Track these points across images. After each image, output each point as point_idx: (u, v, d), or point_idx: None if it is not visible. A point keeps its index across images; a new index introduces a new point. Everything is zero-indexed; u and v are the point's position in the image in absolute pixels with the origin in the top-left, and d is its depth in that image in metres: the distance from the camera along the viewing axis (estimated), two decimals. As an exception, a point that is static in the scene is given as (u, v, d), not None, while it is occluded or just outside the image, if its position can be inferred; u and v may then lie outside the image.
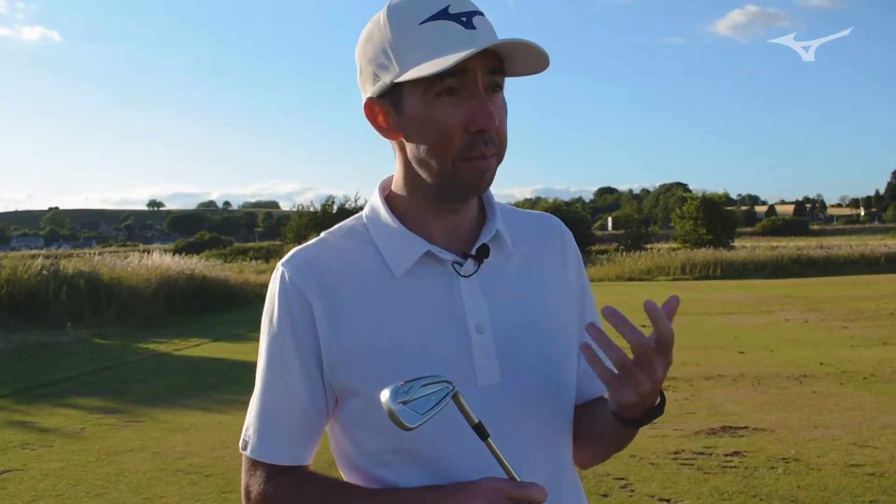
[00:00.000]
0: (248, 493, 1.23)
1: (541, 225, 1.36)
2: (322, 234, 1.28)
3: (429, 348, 1.18)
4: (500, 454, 1.10)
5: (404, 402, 1.02)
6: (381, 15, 1.16)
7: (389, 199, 1.26)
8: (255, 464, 1.23)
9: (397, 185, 1.25)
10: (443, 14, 1.12)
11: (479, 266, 1.23)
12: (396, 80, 1.14)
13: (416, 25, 1.12)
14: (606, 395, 1.31)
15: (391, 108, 1.17)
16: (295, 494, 1.19)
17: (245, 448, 1.24)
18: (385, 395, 1.02)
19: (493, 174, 1.18)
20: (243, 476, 1.25)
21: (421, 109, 1.14)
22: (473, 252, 1.22)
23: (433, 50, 1.11)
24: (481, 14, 1.15)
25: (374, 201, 1.27)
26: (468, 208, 1.25)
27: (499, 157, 1.18)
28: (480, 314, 1.21)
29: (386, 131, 1.21)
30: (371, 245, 1.24)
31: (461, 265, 1.22)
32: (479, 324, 1.20)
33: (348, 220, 1.30)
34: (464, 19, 1.12)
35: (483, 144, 1.14)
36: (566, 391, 1.29)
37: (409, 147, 1.18)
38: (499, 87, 1.16)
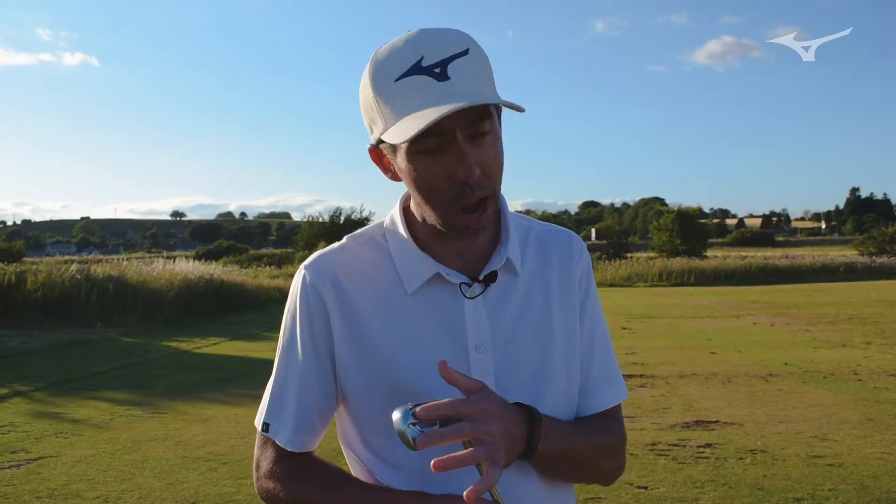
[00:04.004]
0: (258, 466, 1.24)
1: (554, 241, 1.29)
2: (345, 239, 1.25)
3: (426, 363, 1.15)
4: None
5: (413, 424, 1.01)
6: (367, 68, 1.10)
7: (407, 214, 1.23)
8: (266, 443, 1.24)
9: (413, 207, 1.22)
10: (416, 69, 1.04)
11: (485, 288, 1.19)
12: (381, 138, 1.11)
13: (392, 83, 1.06)
14: (604, 411, 1.28)
15: (391, 154, 1.14)
16: (297, 479, 1.19)
17: (261, 428, 1.24)
18: (396, 416, 1.01)
19: (489, 217, 1.13)
20: (256, 451, 1.25)
21: (407, 165, 1.10)
22: (481, 277, 1.19)
23: (406, 109, 1.05)
24: (460, 55, 1.06)
25: (394, 214, 1.24)
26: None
27: (493, 197, 1.12)
28: (481, 334, 1.17)
29: (390, 174, 1.18)
30: (388, 257, 1.21)
31: (469, 286, 1.19)
32: (479, 343, 1.17)
33: (371, 226, 1.27)
34: (437, 70, 1.04)
35: (469, 191, 1.09)
36: (561, 413, 1.22)
37: (410, 191, 1.16)
38: (484, 132, 1.08)
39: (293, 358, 1.22)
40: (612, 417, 1.30)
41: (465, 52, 1.06)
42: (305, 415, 1.21)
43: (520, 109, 1.06)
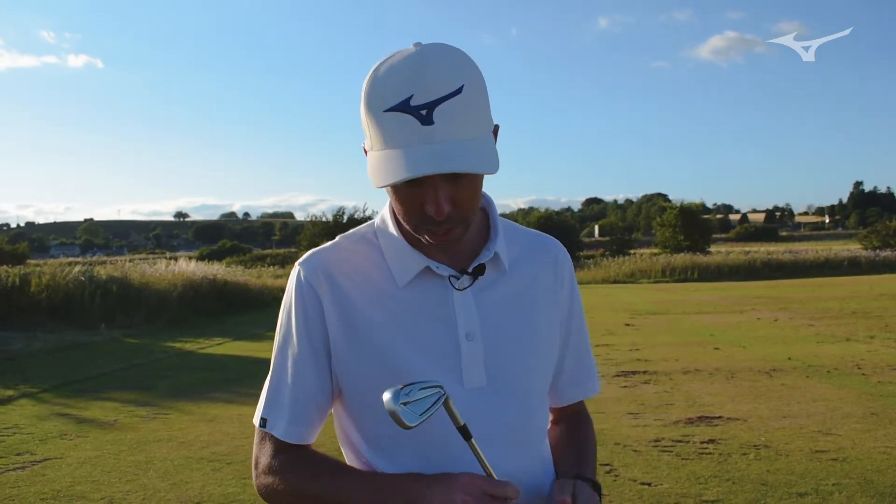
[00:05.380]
0: (256, 462, 1.27)
1: (539, 247, 1.35)
2: (337, 238, 1.30)
3: (420, 351, 1.20)
4: (480, 453, 1.12)
5: (404, 404, 1.04)
6: (366, 82, 1.11)
7: (396, 213, 1.27)
8: (264, 438, 1.27)
9: None
10: (403, 105, 1.05)
11: (473, 281, 1.24)
12: (367, 159, 1.14)
13: (381, 112, 1.07)
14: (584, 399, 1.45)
15: None
16: (295, 470, 1.22)
17: (259, 423, 1.27)
18: (387, 396, 1.04)
19: (460, 234, 1.17)
20: (254, 448, 1.28)
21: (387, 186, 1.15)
22: (470, 270, 1.23)
23: (389, 142, 1.07)
24: (451, 95, 1.06)
25: (384, 213, 1.28)
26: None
27: (463, 224, 1.16)
28: (471, 324, 1.22)
29: None
30: (379, 253, 1.25)
31: (458, 279, 1.23)
32: (469, 332, 1.22)
33: (362, 226, 1.31)
34: (423, 112, 1.05)
35: (436, 224, 1.13)
36: (542, 400, 1.32)
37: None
38: (461, 173, 1.09)
39: (289, 352, 1.25)
40: (584, 408, 1.49)
41: (458, 91, 1.06)
42: (302, 407, 1.24)
43: (489, 173, 1.09)
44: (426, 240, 1.17)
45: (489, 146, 1.11)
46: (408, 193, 1.12)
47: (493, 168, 1.08)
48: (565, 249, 1.39)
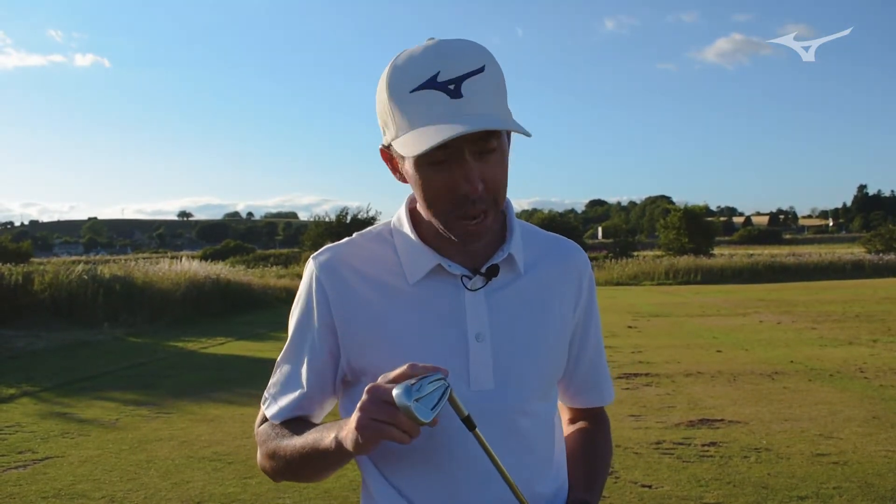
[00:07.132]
0: (256, 425, 1.36)
1: (558, 251, 1.34)
2: (354, 235, 1.31)
3: (428, 349, 1.20)
4: (486, 443, 1.12)
5: (416, 400, 1.03)
6: (385, 73, 1.12)
7: (413, 212, 1.28)
8: (260, 410, 1.35)
9: (419, 207, 1.25)
10: (431, 83, 1.06)
11: (486, 282, 1.23)
12: (392, 145, 1.14)
13: (407, 93, 1.08)
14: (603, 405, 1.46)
15: (401, 158, 1.17)
16: (267, 431, 1.30)
17: (263, 401, 1.34)
18: (398, 392, 1.03)
19: (488, 225, 1.16)
20: (260, 413, 1.37)
21: (413, 172, 1.15)
22: (483, 270, 1.23)
23: (417, 122, 1.07)
24: (476, 72, 1.08)
25: (401, 213, 1.29)
26: None
27: (495, 207, 1.16)
28: (481, 325, 1.21)
29: (398, 175, 1.22)
30: (393, 250, 1.26)
31: (470, 279, 1.23)
32: (479, 333, 1.21)
33: (379, 224, 1.33)
34: (451, 87, 1.06)
35: (471, 205, 1.12)
36: (549, 404, 1.31)
37: (416, 196, 1.20)
38: (491, 149, 1.11)
39: (292, 343, 1.30)
40: (601, 411, 1.49)
41: (481, 70, 1.08)
42: (289, 396, 1.29)
43: (527, 134, 1.10)
44: (464, 227, 1.15)
45: (515, 123, 1.12)
46: (439, 175, 1.12)
47: (527, 130, 1.09)
48: (586, 255, 1.38)
